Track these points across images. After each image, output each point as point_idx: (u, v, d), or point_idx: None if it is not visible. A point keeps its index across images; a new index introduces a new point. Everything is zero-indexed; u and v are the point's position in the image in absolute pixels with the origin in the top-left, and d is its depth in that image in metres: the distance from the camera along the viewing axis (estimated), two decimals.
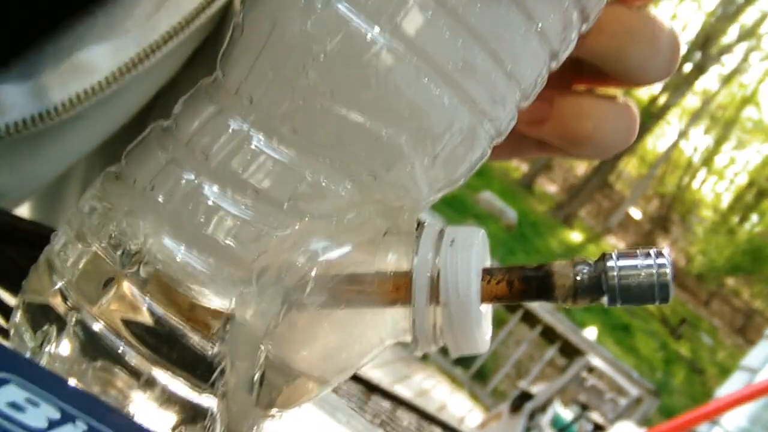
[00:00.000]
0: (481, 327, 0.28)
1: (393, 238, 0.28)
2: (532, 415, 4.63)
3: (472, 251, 0.28)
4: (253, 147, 0.27)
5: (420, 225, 0.29)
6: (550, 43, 0.29)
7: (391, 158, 0.28)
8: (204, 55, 0.48)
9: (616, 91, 0.37)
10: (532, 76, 0.30)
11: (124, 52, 0.41)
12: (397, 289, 0.28)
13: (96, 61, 0.41)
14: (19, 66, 0.41)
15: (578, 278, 0.28)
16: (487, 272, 0.28)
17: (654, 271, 0.27)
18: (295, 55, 0.27)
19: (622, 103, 0.36)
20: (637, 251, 0.28)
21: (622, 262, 0.28)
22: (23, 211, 0.55)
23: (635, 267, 0.28)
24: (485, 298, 0.28)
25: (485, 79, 0.28)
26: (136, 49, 0.42)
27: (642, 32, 0.34)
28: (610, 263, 0.28)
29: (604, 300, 0.28)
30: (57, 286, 0.29)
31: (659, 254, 0.28)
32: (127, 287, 0.28)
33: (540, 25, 0.28)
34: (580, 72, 0.36)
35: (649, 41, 0.34)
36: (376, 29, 0.26)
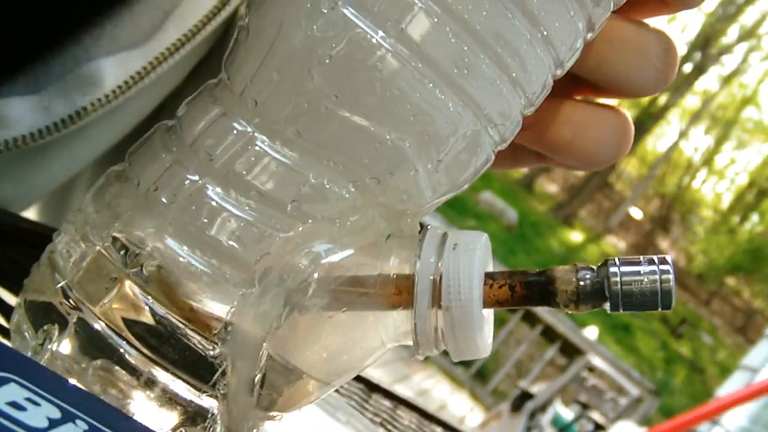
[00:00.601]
0: (482, 331, 0.28)
1: (396, 241, 0.28)
2: (533, 415, 4.63)
3: (474, 255, 0.28)
4: (257, 149, 0.27)
5: (423, 228, 0.29)
6: (556, 51, 0.29)
7: (395, 162, 0.28)
8: (209, 65, 0.48)
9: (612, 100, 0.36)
10: (537, 83, 0.30)
11: (130, 65, 0.42)
12: (399, 293, 0.28)
13: (102, 75, 0.41)
14: (27, 78, 0.41)
15: (581, 284, 0.28)
16: (489, 277, 0.28)
17: (657, 277, 0.27)
18: (300, 58, 0.27)
19: (610, 111, 0.35)
20: (641, 257, 0.28)
21: (625, 269, 0.28)
22: (29, 215, 0.56)
23: (638, 273, 0.27)
24: (487, 302, 0.28)
25: (490, 85, 0.28)
26: (142, 62, 0.42)
27: (626, 41, 0.33)
28: (612, 269, 0.28)
29: (607, 306, 0.28)
30: (59, 285, 0.29)
31: (662, 260, 0.28)
32: (130, 287, 0.28)
33: (545, 32, 0.28)
34: (579, 81, 0.35)
35: (635, 51, 0.33)
36: (382, 34, 0.26)
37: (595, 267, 0.28)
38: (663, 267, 0.27)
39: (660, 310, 0.27)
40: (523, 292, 0.28)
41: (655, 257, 0.28)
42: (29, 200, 0.47)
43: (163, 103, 0.48)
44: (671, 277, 0.27)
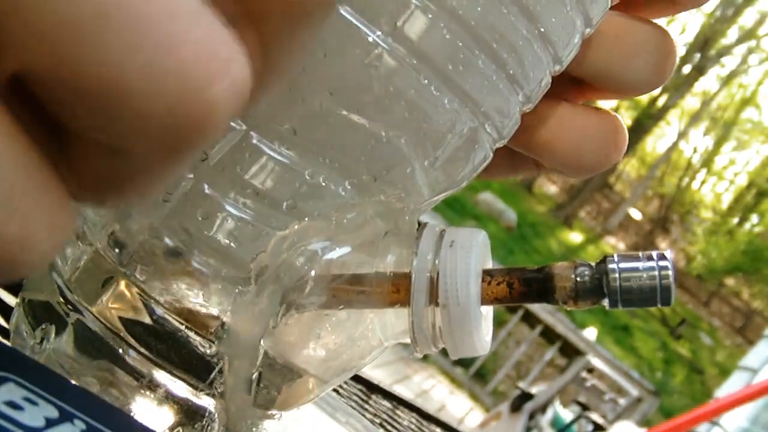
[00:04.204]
0: (480, 329, 0.28)
1: (393, 238, 0.28)
2: (532, 416, 4.63)
3: (471, 252, 0.28)
4: (252, 147, 0.27)
5: (421, 226, 0.29)
6: (553, 47, 0.29)
7: (391, 159, 0.28)
8: None
9: (608, 103, 0.35)
10: (535, 80, 0.29)
11: None
12: (397, 290, 0.28)
13: None
14: None
15: (579, 280, 0.28)
16: (487, 274, 0.28)
17: (656, 273, 0.27)
18: None
19: (597, 114, 0.33)
20: (639, 253, 0.28)
21: (624, 265, 0.27)
22: None
23: (637, 269, 0.27)
24: (485, 299, 0.28)
25: (486, 81, 0.28)
26: None
27: (605, 35, 0.31)
28: (611, 265, 0.27)
29: (605, 302, 0.28)
30: (57, 284, 0.29)
31: (661, 257, 0.27)
32: (126, 286, 0.28)
33: (542, 28, 0.28)
34: (575, 81, 0.34)
35: (616, 45, 0.32)
36: (377, 32, 0.26)
37: (593, 263, 0.28)
38: (662, 263, 0.27)
39: (659, 306, 0.27)
40: (521, 288, 0.28)
41: (653, 253, 0.28)
42: None
43: None
44: (670, 272, 0.27)
